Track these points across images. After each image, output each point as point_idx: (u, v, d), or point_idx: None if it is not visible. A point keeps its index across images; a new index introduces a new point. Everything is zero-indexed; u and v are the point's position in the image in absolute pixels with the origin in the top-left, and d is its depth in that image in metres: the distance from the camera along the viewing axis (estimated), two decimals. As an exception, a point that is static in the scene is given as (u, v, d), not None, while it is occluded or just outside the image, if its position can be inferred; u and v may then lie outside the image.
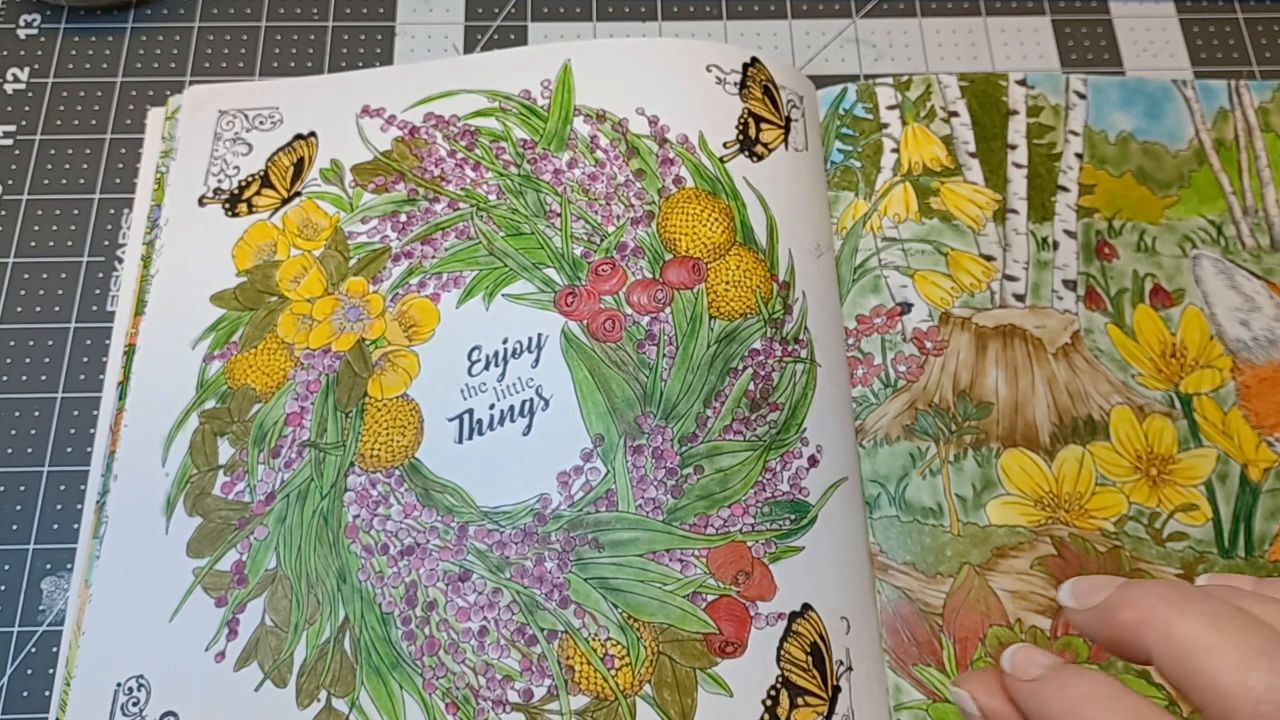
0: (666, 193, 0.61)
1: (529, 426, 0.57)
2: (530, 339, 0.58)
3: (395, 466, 0.56)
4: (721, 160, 0.62)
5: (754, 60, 0.65)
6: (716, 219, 0.60)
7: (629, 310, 0.58)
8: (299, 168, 0.63)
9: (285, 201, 0.62)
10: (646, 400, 0.57)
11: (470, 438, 0.57)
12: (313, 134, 0.64)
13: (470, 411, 0.57)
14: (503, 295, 0.59)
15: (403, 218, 0.62)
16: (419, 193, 0.62)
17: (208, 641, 0.53)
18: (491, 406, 0.57)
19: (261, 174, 0.63)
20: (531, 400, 0.57)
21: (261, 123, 0.65)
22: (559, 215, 0.61)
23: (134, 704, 0.52)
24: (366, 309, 0.59)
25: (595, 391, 0.57)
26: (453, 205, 0.62)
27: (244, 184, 0.63)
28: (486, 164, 0.62)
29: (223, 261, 0.61)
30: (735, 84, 0.64)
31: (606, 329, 0.58)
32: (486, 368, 0.58)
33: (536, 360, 0.58)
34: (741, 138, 0.62)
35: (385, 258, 0.61)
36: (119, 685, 0.52)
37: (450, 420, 0.57)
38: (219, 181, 0.63)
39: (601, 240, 0.60)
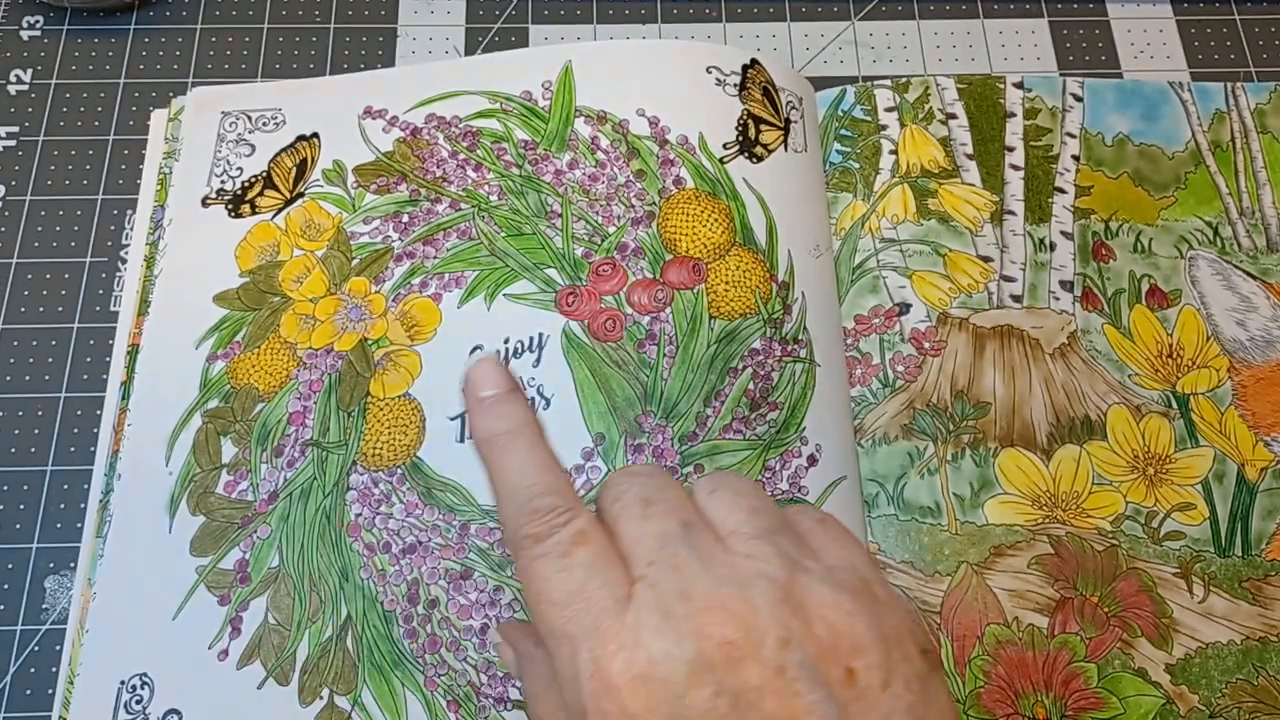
0: (667, 193, 0.61)
1: (530, 426, 0.57)
2: (531, 338, 0.58)
3: (397, 465, 0.56)
4: (721, 161, 0.62)
5: (754, 62, 0.65)
6: (716, 219, 0.60)
7: (629, 310, 0.59)
8: (302, 168, 0.63)
9: (288, 202, 0.63)
10: (647, 400, 0.57)
11: (472, 436, 0.57)
12: (315, 135, 0.64)
13: (472, 411, 0.57)
14: (504, 295, 0.60)
15: (405, 218, 0.62)
16: (421, 193, 0.62)
17: (211, 639, 0.53)
18: (493, 406, 0.57)
19: (264, 175, 0.63)
20: (533, 400, 0.57)
21: (264, 124, 0.65)
22: (560, 216, 0.61)
23: (137, 702, 0.52)
24: (369, 309, 0.60)
25: (596, 391, 0.57)
26: (454, 206, 0.62)
27: (247, 185, 0.63)
28: (488, 165, 0.63)
29: (226, 262, 0.61)
30: (735, 85, 0.64)
31: (607, 329, 0.58)
32: (488, 367, 0.58)
33: (538, 360, 0.58)
34: (741, 139, 0.63)
35: (387, 258, 0.61)
36: (122, 683, 0.53)
37: (452, 419, 0.57)
38: (222, 182, 0.63)
39: (602, 241, 0.60)
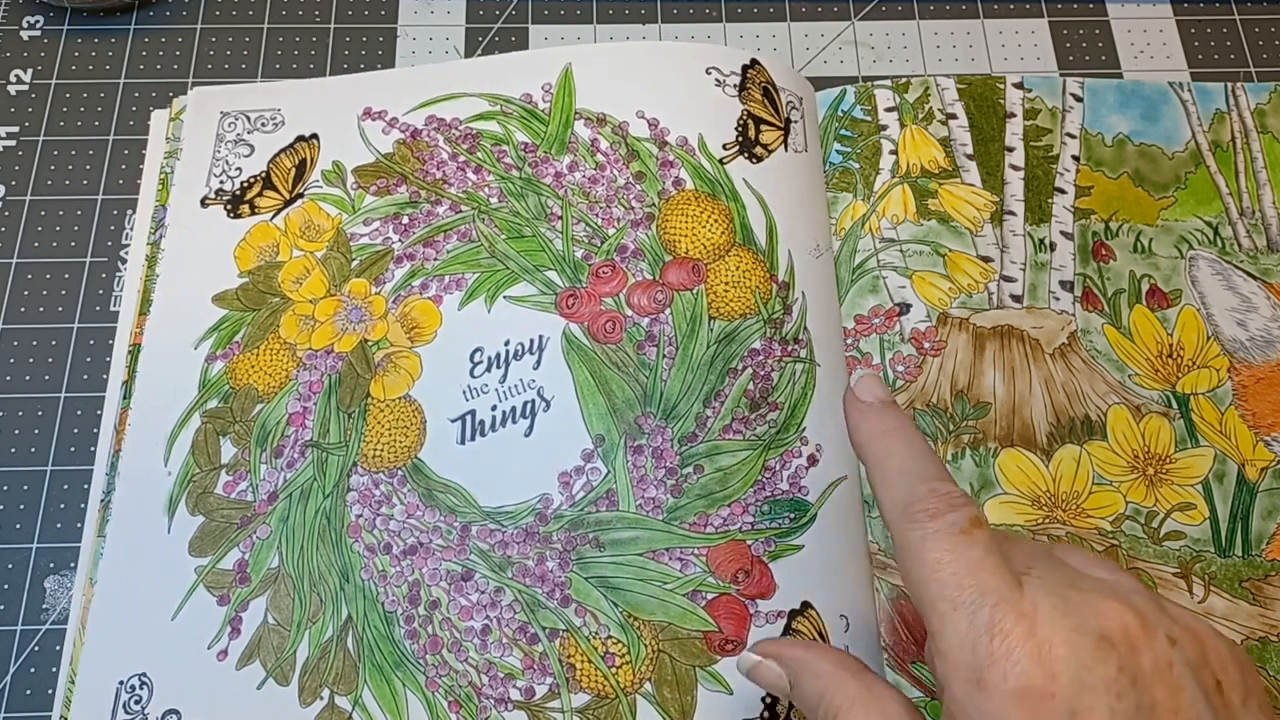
0: (666, 195, 0.61)
1: (531, 427, 0.57)
2: (532, 341, 0.58)
3: (398, 467, 0.56)
4: (721, 162, 0.62)
5: (754, 62, 0.65)
6: (716, 220, 0.60)
7: (629, 312, 0.59)
8: (301, 169, 0.64)
9: (287, 203, 0.63)
10: (646, 401, 0.57)
11: (473, 438, 0.57)
12: (314, 136, 0.65)
13: (473, 413, 0.57)
14: (504, 297, 0.60)
15: (405, 220, 0.62)
16: (421, 195, 0.62)
17: (210, 640, 0.53)
18: (494, 408, 0.57)
19: (263, 175, 0.64)
20: (533, 401, 0.57)
21: (263, 124, 0.65)
22: (560, 218, 0.61)
23: (136, 702, 0.52)
24: (369, 310, 0.60)
25: (596, 393, 0.57)
26: (454, 208, 0.62)
27: (246, 185, 0.63)
28: (488, 167, 0.63)
29: (225, 262, 0.61)
30: (735, 86, 0.64)
31: (607, 330, 0.58)
32: (489, 369, 0.58)
33: (538, 362, 0.58)
34: (741, 139, 0.63)
35: (387, 259, 0.61)
36: (121, 683, 0.53)
37: (453, 421, 0.57)
38: (221, 183, 0.63)
39: (602, 243, 0.61)
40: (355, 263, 0.61)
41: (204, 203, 0.63)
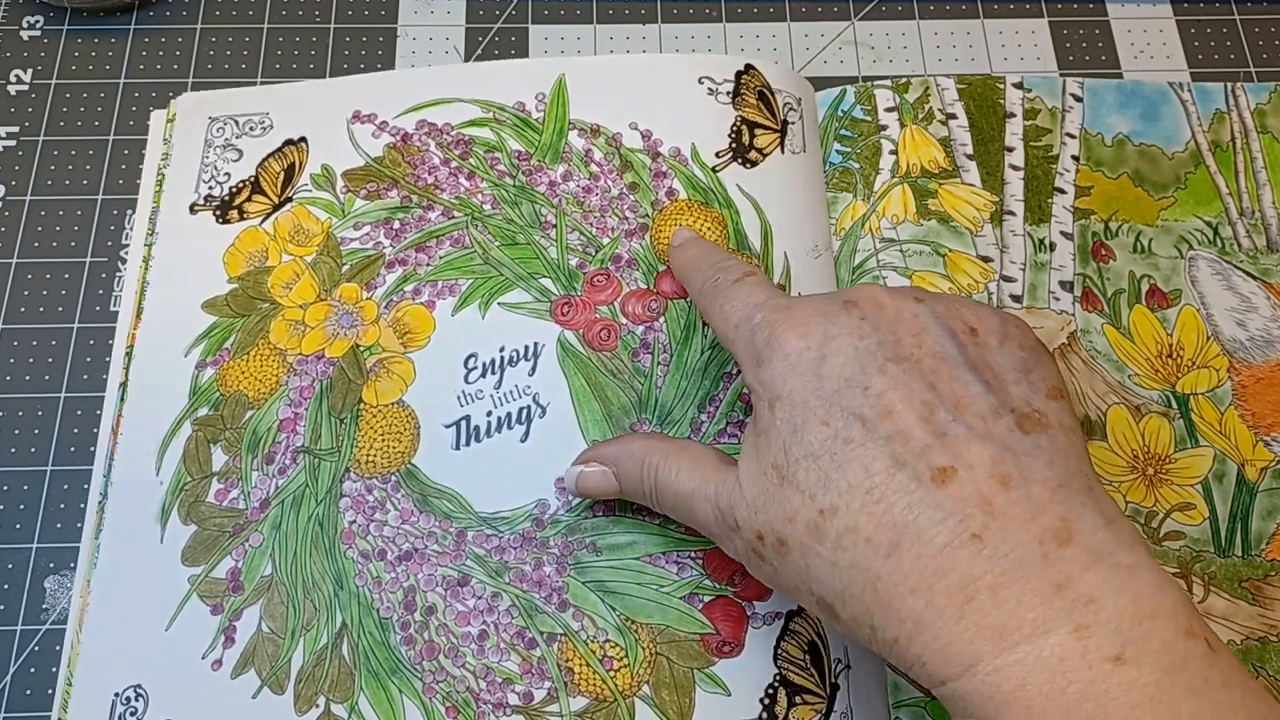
0: (659, 205, 0.61)
1: (526, 433, 0.57)
2: (527, 347, 0.58)
3: (391, 472, 0.56)
4: (714, 170, 0.62)
5: (748, 67, 0.65)
6: (709, 229, 0.60)
7: (624, 320, 0.59)
8: (290, 173, 0.63)
9: (277, 207, 0.63)
10: (642, 407, 0.57)
11: (468, 444, 0.57)
12: (303, 139, 0.64)
13: (468, 418, 0.57)
14: (499, 304, 0.60)
15: (396, 224, 0.62)
16: (412, 200, 0.62)
17: (204, 649, 0.53)
18: (489, 413, 0.57)
19: (252, 180, 0.63)
20: (529, 408, 0.57)
21: (251, 128, 0.65)
22: (554, 226, 0.61)
23: (132, 714, 0.52)
24: (360, 315, 0.60)
25: (591, 399, 0.57)
26: (447, 213, 0.62)
27: (235, 190, 0.63)
28: (481, 174, 0.63)
29: (214, 268, 0.61)
30: (728, 93, 0.64)
31: (602, 338, 0.58)
32: (483, 375, 0.58)
33: (533, 368, 0.58)
34: (734, 145, 0.63)
35: (379, 264, 0.61)
36: (116, 695, 0.53)
37: (447, 427, 0.57)
38: (210, 188, 0.63)
39: (596, 252, 0.61)
40: (346, 267, 0.61)
41: (193, 209, 0.63)
